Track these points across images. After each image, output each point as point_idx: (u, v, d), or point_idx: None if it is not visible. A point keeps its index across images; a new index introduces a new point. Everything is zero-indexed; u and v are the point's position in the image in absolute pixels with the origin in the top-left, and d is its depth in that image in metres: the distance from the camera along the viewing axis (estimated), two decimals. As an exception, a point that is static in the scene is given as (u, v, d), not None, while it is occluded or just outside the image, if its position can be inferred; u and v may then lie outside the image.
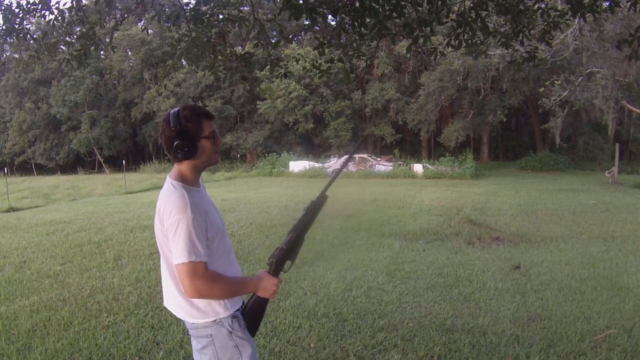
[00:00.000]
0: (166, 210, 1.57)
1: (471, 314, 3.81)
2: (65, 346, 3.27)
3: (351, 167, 22.86)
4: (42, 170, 35.93)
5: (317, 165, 23.21)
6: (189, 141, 1.60)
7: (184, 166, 1.66)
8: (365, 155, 24.02)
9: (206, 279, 1.55)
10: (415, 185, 16.82)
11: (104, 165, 34.56)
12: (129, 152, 38.08)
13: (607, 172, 18.11)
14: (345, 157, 23.61)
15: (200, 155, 1.65)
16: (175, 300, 1.69)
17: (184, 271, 1.53)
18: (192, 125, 1.62)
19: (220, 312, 1.66)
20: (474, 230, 7.34)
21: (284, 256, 1.79)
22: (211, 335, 1.66)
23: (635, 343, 3.23)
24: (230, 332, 1.67)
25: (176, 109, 1.64)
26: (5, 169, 21.28)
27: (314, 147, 31.60)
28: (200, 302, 1.65)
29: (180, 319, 1.73)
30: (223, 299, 1.66)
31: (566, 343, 3.25)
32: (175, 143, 1.59)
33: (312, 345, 3.25)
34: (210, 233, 1.61)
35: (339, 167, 2.02)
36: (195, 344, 1.73)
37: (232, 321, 1.68)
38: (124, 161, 21.88)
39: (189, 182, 1.66)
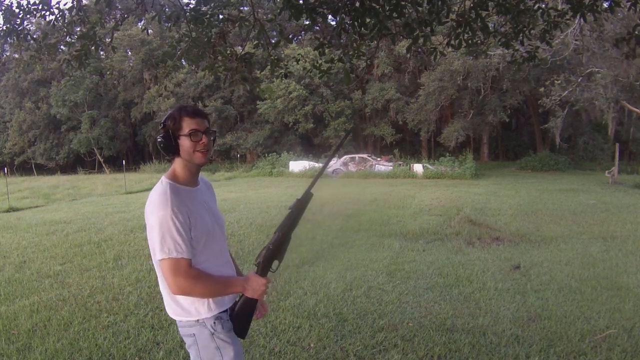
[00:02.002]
0: (148, 207, 1.61)
1: (471, 314, 3.81)
2: (65, 346, 3.27)
3: (351, 167, 22.87)
4: (42, 170, 35.95)
5: (317, 165, 23.20)
6: (168, 139, 1.64)
7: (176, 164, 1.70)
8: (365, 155, 24.02)
9: (189, 276, 1.56)
10: (415, 185, 16.82)
11: (104, 165, 34.57)
12: (129, 152, 38.09)
13: (607, 172, 18.11)
14: (342, 155, 23.69)
15: (183, 153, 1.67)
16: (165, 298, 1.73)
17: (167, 267, 1.56)
18: (173, 123, 1.65)
19: (203, 313, 1.67)
20: (474, 230, 7.33)
21: (271, 256, 1.77)
22: (194, 334, 1.69)
23: (635, 343, 3.23)
24: (212, 334, 1.68)
25: (170, 110, 1.71)
26: (5, 169, 21.30)
27: (314, 147, 31.60)
28: (184, 301, 1.66)
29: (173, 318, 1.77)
30: (207, 297, 1.66)
31: (566, 343, 3.25)
32: (159, 139, 1.66)
33: (312, 345, 3.25)
34: (194, 233, 1.61)
35: (324, 164, 2.00)
36: (185, 341, 1.77)
37: (214, 322, 1.68)
38: (124, 161, 21.89)
39: (180, 181, 1.68)
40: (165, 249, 1.54)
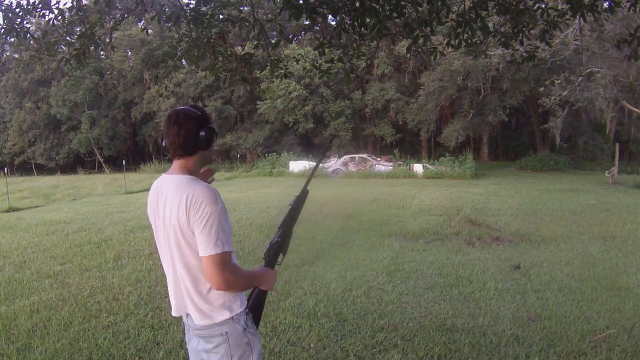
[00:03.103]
0: (195, 202, 1.55)
1: (471, 314, 3.81)
2: (65, 346, 3.27)
3: (351, 167, 22.86)
4: (42, 170, 35.94)
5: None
6: (212, 131, 1.67)
7: (193, 161, 1.68)
8: (365, 155, 24.02)
9: (233, 269, 1.58)
10: (415, 185, 16.82)
11: (104, 165, 34.56)
12: (129, 152, 38.08)
13: (607, 172, 18.11)
14: (342, 155, 23.67)
15: (211, 150, 1.71)
16: (192, 302, 1.66)
17: (216, 262, 1.53)
18: (208, 119, 1.70)
19: (236, 309, 1.67)
20: (474, 230, 7.33)
21: (278, 249, 1.84)
22: (226, 333, 1.65)
23: (635, 343, 3.23)
24: (245, 329, 1.68)
25: (185, 107, 1.67)
26: (5, 169, 21.29)
27: (314, 147, 31.59)
28: (220, 300, 1.64)
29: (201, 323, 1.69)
30: (241, 291, 1.69)
31: (566, 343, 3.25)
32: (201, 132, 1.64)
33: (312, 345, 3.25)
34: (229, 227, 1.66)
35: (316, 164, 2.14)
36: (204, 345, 1.69)
37: (246, 318, 1.70)
38: (124, 161, 21.89)
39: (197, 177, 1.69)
40: (218, 243, 1.53)
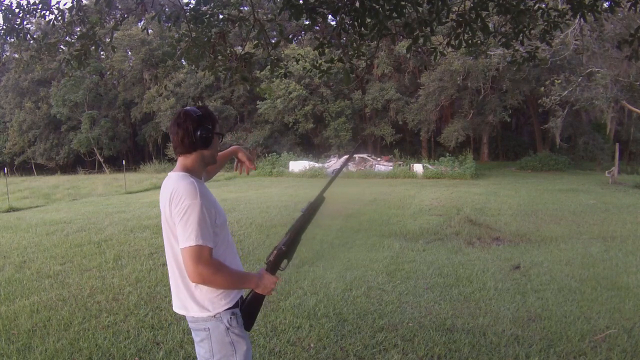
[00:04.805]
0: (176, 196, 1.62)
1: (471, 314, 3.81)
2: (65, 346, 3.27)
3: (351, 167, 22.86)
4: (42, 170, 35.95)
5: (317, 165, 23.21)
6: (209, 130, 1.72)
7: (191, 159, 1.73)
8: (365, 155, 24.02)
9: (210, 264, 1.60)
10: (415, 185, 16.82)
11: (104, 165, 34.57)
12: (129, 152, 38.07)
13: (607, 172, 18.11)
14: (344, 159, 23.68)
15: (212, 147, 1.75)
16: (179, 293, 1.73)
17: (190, 254, 1.57)
18: (209, 119, 1.74)
19: (220, 307, 1.69)
20: (474, 230, 7.33)
21: (282, 256, 1.85)
22: (209, 329, 1.70)
23: (635, 343, 3.23)
24: (228, 329, 1.70)
25: (190, 107, 1.75)
26: (5, 169, 21.29)
27: (314, 147, 31.59)
28: (202, 296, 1.68)
29: (182, 314, 1.77)
30: (224, 288, 1.70)
31: (566, 343, 3.25)
32: (198, 131, 1.69)
33: (312, 345, 3.25)
34: (218, 221, 1.68)
35: (337, 170, 2.09)
36: (194, 336, 1.78)
37: (230, 317, 1.71)
38: (124, 161, 21.90)
39: (194, 175, 1.73)
40: (192, 237, 1.57)
